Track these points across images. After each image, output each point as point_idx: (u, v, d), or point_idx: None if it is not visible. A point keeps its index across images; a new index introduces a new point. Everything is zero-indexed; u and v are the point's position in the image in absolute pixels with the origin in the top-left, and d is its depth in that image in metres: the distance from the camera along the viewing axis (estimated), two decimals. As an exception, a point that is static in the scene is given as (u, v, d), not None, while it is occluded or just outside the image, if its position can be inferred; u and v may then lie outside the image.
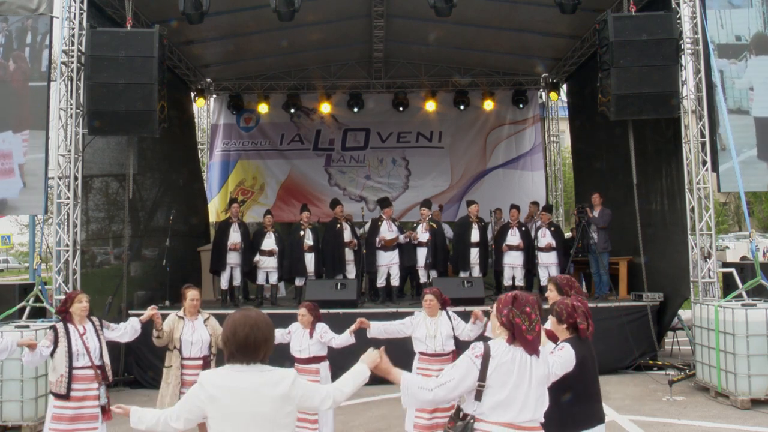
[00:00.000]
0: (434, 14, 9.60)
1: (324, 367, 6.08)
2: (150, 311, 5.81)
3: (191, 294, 6.07)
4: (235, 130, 15.84)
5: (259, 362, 2.81)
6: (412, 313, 6.14)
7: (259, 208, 14.89)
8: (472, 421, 3.13)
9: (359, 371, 3.21)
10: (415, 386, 3.17)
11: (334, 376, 7.67)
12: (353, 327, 5.92)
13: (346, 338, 5.97)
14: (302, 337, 6.07)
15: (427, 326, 5.83)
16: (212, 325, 6.09)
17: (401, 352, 5.41)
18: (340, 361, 5.63)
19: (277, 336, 5.93)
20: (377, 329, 5.97)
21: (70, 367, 5.20)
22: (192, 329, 5.98)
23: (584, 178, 14.42)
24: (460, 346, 5.38)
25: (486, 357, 3.12)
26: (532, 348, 3.16)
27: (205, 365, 5.88)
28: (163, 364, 6.12)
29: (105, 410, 5.28)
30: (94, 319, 5.58)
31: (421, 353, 5.85)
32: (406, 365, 4.73)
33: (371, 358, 3.24)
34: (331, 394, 3.05)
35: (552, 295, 4.47)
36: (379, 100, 15.61)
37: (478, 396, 3.12)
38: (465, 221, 11.30)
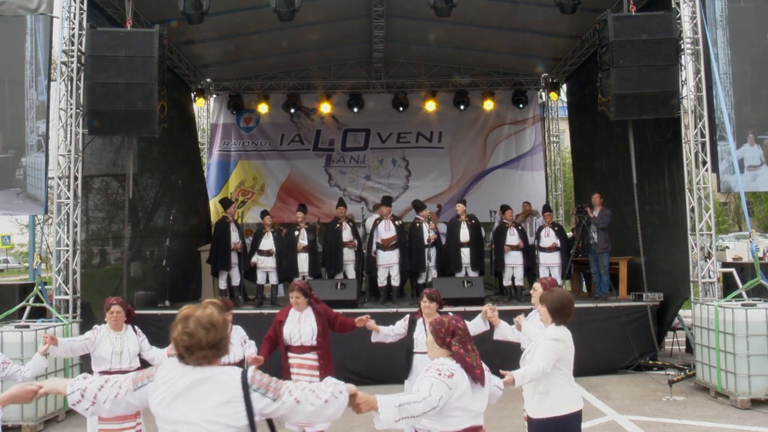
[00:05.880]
0: (434, 14, 9.59)
1: None
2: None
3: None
4: (235, 130, 15.83)
5: None
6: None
7: (259, 209, 14.88)
8: None
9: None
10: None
11: None
12: (41, 350, 5.17)
13: (38, 362, 5.12)
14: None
15: (112, 341, 5.40)
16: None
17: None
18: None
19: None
20: (64, 347, 5.35)
21: None
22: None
23: (584, 178, 14.41)
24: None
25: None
26: None
27: None
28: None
29: None
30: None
31: (104, 372, 5.22)
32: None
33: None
34: None
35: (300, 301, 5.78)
36: (379, 100, 15.59)
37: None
38: (455, 221, 11.31)
